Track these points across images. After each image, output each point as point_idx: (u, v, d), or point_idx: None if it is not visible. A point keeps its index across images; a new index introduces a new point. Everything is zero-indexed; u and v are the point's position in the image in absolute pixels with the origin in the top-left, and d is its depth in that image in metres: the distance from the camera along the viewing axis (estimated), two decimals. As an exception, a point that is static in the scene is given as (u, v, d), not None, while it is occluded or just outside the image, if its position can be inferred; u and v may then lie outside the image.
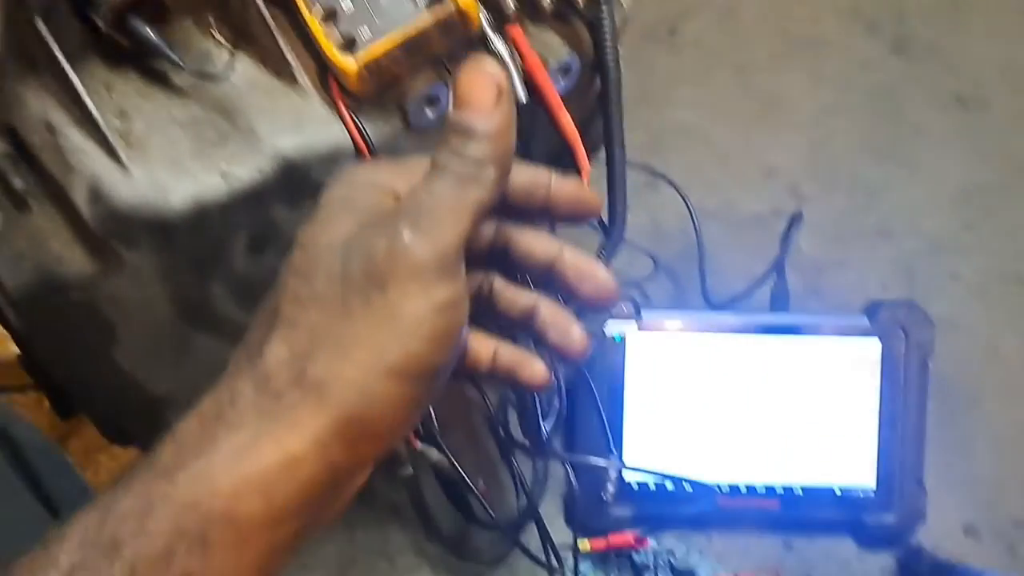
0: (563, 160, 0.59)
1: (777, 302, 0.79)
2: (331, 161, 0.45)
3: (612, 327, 0.76)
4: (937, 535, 0.79)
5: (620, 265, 0.95)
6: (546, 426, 0.69)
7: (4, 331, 0.46)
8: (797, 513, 0.76)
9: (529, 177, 0.33)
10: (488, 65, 0.29)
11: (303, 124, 0.45)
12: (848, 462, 0.76)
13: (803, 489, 0.76)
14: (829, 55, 1.09)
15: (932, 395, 0.77)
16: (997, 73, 1.07)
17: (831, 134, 1.03)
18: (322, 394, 0.27)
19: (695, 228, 0.91)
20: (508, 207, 0.33)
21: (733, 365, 0.75)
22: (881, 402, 0.75)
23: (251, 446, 0.27)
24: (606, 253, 0.67)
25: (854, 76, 1.07)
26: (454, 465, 0.63)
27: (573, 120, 0.56)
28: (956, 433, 0.84)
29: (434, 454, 0.63)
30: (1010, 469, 0.83)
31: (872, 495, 0.76)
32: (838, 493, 0.76)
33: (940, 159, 1.01)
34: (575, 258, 0.34)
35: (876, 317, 0.76)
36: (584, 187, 0.34)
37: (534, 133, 0.54)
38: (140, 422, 0.52)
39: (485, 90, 0.29)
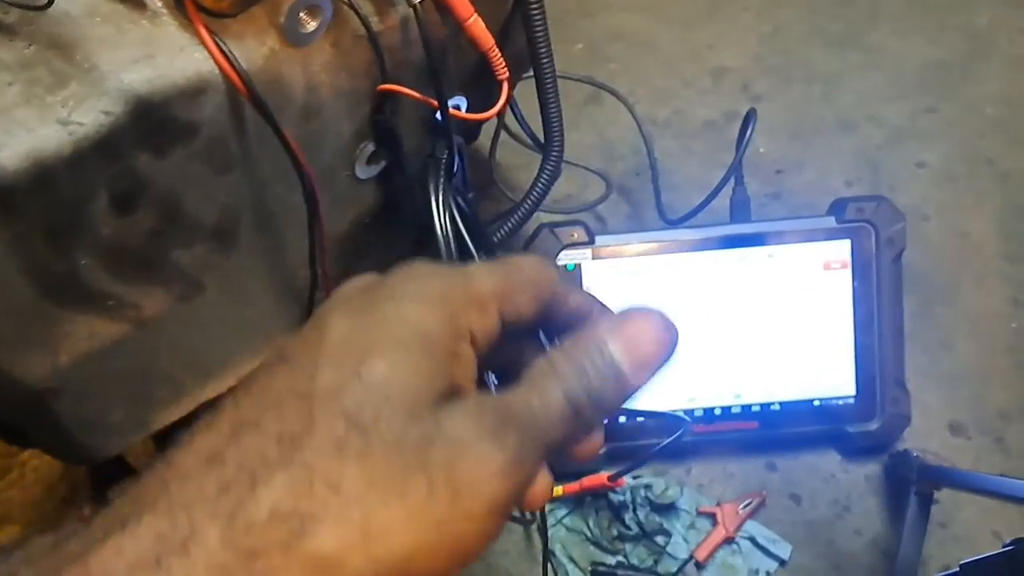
0: (482, 77, 0.52)
1: (738, 212, 0.74)
2: (195, 95, 0.39)
3: (565, 257, 0.71)
4: (922, 436, 0.76)
5: (570, 188, 0.90)
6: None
7: None
8: (777, 431, 0.73)
9: (581, 301, 0.28)
10: (672, 328, 0.25)
11: (156, 54, 0.38)
12: (826, 372, 0.72)
13: (781, 405, 0.72)
14: (772, -59, 1.02)
15: (907, 291, 0.73)
16: (949, -57, 1.02)
17: (781, 25, 0.97)
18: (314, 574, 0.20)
19: (645, 142, 0.85)
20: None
21: (696, 285, 0.71)
22: (855, 305, 0.71)
23: None
24: (544, 175, 0.61)
25: (800, -39, 1.01)
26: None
27: (489, 28, 0.50)
28: (935, 328, 0.81)
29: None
30: (991, 359, 0.80)
31: (852, 403, 0.72)
32: (818, 405, 0.72)
33: (896, 40, 0.96)
34: None
35: (843, 216, 0.72)
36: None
37: (443, 46, 0.48)
38: (32, 422, 0.46)
39: (660, 350, 0.25)
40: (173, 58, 0.38)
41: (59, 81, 0.37)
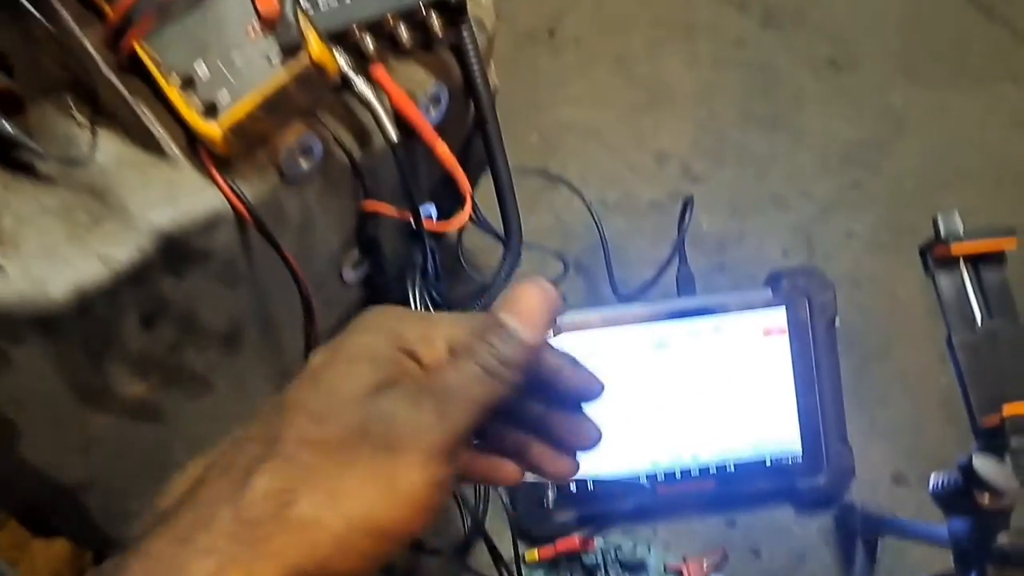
0: (449, 185, 0.62)
1: (683, 286, 0.84)
2: (211, 227, 0.47)
3: (528, 336, 0.79)
4: (868, 488, 0.85)
5: (531, 268, 0.99)
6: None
7: None
8: (733, 489, 0.81)
9: (555, 363, 0.36)
10: (549, 289, 0.33)
11: (176, 195, 0.46)
12: (773, 431, 0.81)
13: (735, 465, 0.81)
14: (703, 37, 1.15)
15: (843, 352, 0.83)
16: (863, 33, 1.16)
17: (714, 112, 1.09)
18: (301, 534, 0.29)
19: (596, 224, 0.95)
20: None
21: (650, 354, 0.80)
22: (794, 368, 0.81)
23: (220, 573, 0.28)
24: (507, 264, 0.70)
25: (729, 53, 1.14)
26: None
27: (453, 144, 0.59)
28: (873, 385, 0.91)
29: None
30: (925, 412, 0.90)
31: (800, 460, 0.81)
32: (769, 463, 0.81)
33: (821, 122, 1.08)
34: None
35: (778, 287, 0.82)
36: (589, 378, 0.37)
37: (415, 165, 0.57)
38: (60, 513, 0.53)
39: (542, 309, 0.33)
40: (191, 197, 0.46)
41: (96, 221, 0.45)
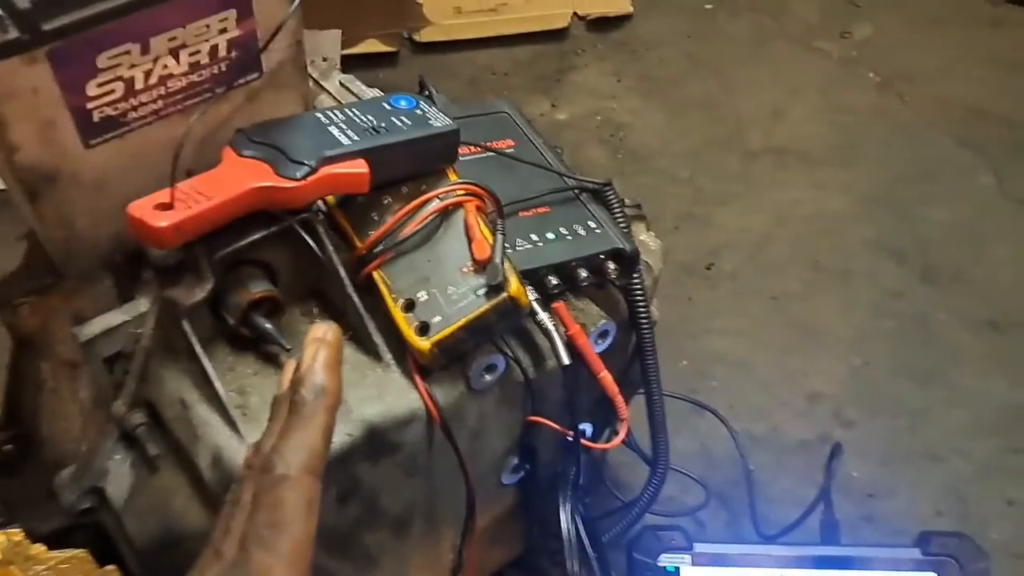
0: (603, 406, 0.69)
1: (827, 533, 0.85)
2: (407, 423, 0.57)
3: (665, 559, 0.83)
4: None
5: (672, 491, 1.03)
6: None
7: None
8: None
9: None
10: (322, 328, 0.46)
11: (385, 393, 0.57)
12: None
13: None
14: (860, 284, 1.22)
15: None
16: (1025, 297, 1.18)
17: (869, 360, 1.13)
18: None
19: (741, 456, 0.99)
20: None
21: (787, 599, 0.80)
22: (943, 636, 0.78)
23: None
24: (651, 487, 0.76)
25: (886, 303, 1.19)
26: None
27: (614, 368, 0.68)
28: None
29: None
30: None
31: None
32: None
33: (980, 381, 1.09)
34: None
35: (928, 549, 0.81)
36: None
37: (578, 387, 0.65)
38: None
39: (323, 359, 0.44)
40: (397, 397, 0.57)
41: (319, 409, 0.55)
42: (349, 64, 1.55)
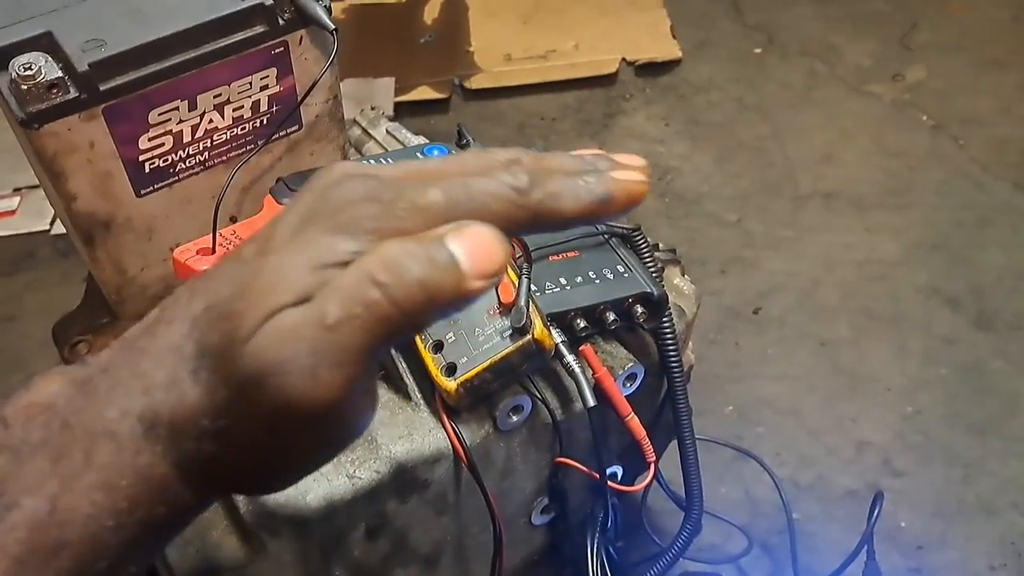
0: (634, 450, 0.70)
1: (870, 584, 0.84)
2: (434, 461, 0.59)
3: (704, 608, 0.82)
4: None
5: (714, 539, 1.02)
6: None
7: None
8: None
9: None
10: (506, 241, 0.28)
11: (413, 432, 0.59)
12: None
13: None
14: (912, 331, 1.20)
15: None
16: (1089, 346, 1.15)
17: (921, 408, 1.11)
18: None
19: (784, 506, 0.98)
20: None
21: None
22: None
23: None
24: (685, 532, 0.76)
25: (939, 351, 1.17)
26: None
27: (644, 412, 0.69)
28: None
29: None
30: None
31: None
32: None
33: (1039, 434, 1.06)
34: None
35: (977, 603, 0.79)
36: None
37: (607, 430, 0.67)
38: None
39: (495, 258, 0.27)
40: (425, 436, 0.59)
41: (351, 447, 0.58)
42: (402, 111, 1.61)
